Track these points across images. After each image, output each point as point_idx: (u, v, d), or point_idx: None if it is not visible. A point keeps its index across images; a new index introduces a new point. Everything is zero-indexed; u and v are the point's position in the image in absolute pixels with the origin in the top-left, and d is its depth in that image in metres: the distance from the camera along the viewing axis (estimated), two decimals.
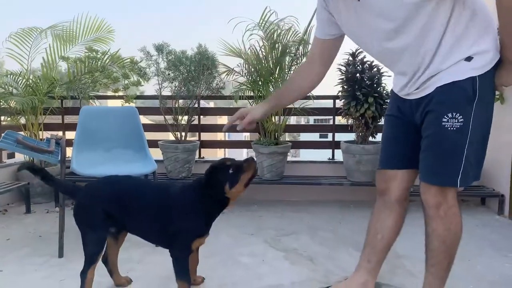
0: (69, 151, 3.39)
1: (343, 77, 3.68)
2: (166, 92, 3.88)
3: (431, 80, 1.45)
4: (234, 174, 1.70)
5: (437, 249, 1.55)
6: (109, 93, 4.45)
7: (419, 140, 1.55)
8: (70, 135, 3.96)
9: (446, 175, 1.47)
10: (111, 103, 4.69)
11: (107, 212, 1.75)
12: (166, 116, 3.92)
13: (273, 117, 3.82)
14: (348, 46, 3.50)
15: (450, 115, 1.41)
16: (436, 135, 1.45)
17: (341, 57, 3.72)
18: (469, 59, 1.38)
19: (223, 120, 8.22)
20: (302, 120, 15.69)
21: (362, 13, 1.45)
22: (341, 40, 1.71)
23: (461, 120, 1.40)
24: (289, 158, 3.94)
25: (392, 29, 1.42)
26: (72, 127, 4.18)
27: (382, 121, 3.43)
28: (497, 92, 3.57)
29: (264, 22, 3.72)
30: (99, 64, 3.94)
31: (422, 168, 1.54)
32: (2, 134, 2.48)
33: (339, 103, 3.92)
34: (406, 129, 1.64)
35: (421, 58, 1.43)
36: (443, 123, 1.42)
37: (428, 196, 1.53)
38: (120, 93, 4.26)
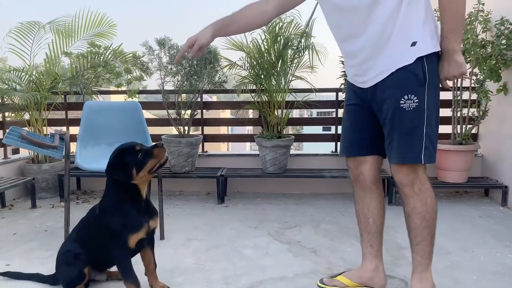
0: (73, 146, 3.41)
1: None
2: (169, 86, 3.89)
3: (380, 66, 1.55)
4: (142, 159, 1.69)
5: (419, 226, 1.62)
6: (112, 88, 4.47)
7: (379, 125, 1.67)
8: (73, 130, 3.98)
9: (411, 153, 1.57)
10: (114, 98, 4.70)
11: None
12: (169, 111, 3.93)
13: (275, 110, 3.83)
14: None
15: (406, 97, 1.52)
16: (396, 117, 1.56)
17: None
18: (413, 44, 1.50)
19: (226, 114, 8.24)
20: (305, 113, 15.67)
21: None
22: None
23: (416, 100, 1.52)
24: (292, 151, 3.95)
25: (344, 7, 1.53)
26: (75, 122, 4.21)
27: None
28: (501, 83, 3.57)
29: None
30: (101, 59, 3.95)
31: (389, 151, 1.63)
32: (7, 130, 2.50)
33: (342, 96, 3.91)
34: (367, 115, 1.73)
35: (369, 41, 1.54)
36: (400, 105, 1.53)
37: (401, 175, 1.62)
38: (123, 88, 4.27)
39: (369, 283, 1.87)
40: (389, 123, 1.59)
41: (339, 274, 1.94)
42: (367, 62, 1.58)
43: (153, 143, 1.76)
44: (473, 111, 3.71)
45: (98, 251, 1.81)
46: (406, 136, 1.56)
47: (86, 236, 1.85)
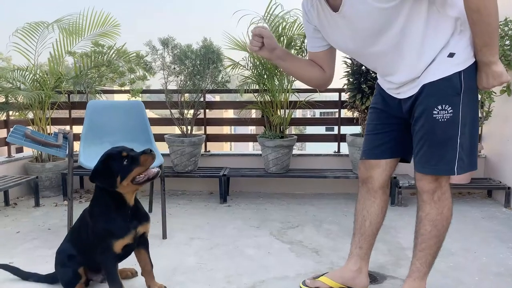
0: (76, 145, 3.43)
1: (349, 69, 3.67)
2: (172, 86, 3.90)
3: (417, 80, 1.50)
4: (127, 166, 1.61)
5: (429, 233, 1.61)
6: (116, 87, 4.48)
7: (403, 132, 1.65)
8: (77, 129, 4.00)
9: (443, 165, 1.52)
10: (118, 97, 4.72)
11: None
12: (172, 110, 3.94)
13: (278, 110, 3.83)
14: None
15: (440, 107, 1.45)
16: (429, 128, 1.50)
17: None
18: (451, 55, 1.43)
19: (228, 113, 8.24)
20: (308, 113, 15.65)
21: (344, 24, 1.49)
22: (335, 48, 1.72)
23: (451, 111, 1.45)
24: (294, 151, 3.95)
25: (373, 34, 1.46)
26: (79, 121, 4.22)
27: None
28: (504, 84, 3.56)
29: (269, 15, 3.72)
30: (105, 59, 3.97)
31: (418, 160, 1.58)
32: (11, 129, 2.52)
33: (345, 96, 3.91)
34: (390, 121, 1.71)
35: (404, 59, 1.48)
36: (434, 115, 1.47)
37: (423, 182, 1.59)
38: (126, 88, 4.29)
39: (351, 283, 1.87)
40: (420, 132, 1.52)
41: (322, 275, 1.94)
42: (401, 82, 1.54)
43: (142, 149, 1.67)
44: None
45: (90, 253, 1.79)
46: (438, 147, 1.50)
47: (78, 238, 1.84)
